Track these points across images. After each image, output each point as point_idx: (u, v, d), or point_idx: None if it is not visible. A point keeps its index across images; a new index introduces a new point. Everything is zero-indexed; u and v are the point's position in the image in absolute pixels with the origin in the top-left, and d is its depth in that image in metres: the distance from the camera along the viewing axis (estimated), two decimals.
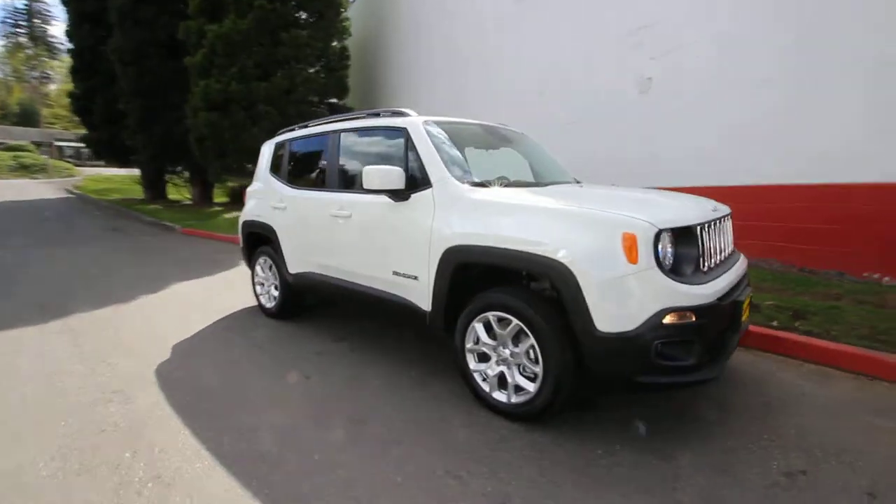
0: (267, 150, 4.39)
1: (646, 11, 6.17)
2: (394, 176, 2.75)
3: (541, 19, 7.69)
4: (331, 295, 3.64)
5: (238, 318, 4.33)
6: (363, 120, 3.39)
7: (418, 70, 10.98)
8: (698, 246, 2.22)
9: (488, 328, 2.48)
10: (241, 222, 4.50)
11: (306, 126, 4.06)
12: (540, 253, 2.17)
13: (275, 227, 3.97)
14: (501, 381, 2.46)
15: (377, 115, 3.36)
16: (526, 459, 2.10)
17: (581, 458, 2.10)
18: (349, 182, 3.39)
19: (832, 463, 2.05)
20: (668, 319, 2.02)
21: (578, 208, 2.23)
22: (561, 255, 2.11)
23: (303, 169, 3.95)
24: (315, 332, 3.83)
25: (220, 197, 20.42)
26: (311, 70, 11.98)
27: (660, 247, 2.04)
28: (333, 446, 2.22)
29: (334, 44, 12.10)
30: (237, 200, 19.29)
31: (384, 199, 2.95)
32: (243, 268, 5.78)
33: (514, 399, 2.39)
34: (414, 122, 3.00)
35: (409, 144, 2.95)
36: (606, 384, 2.41)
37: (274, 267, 4.09)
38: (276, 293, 4.15)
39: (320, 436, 2.31)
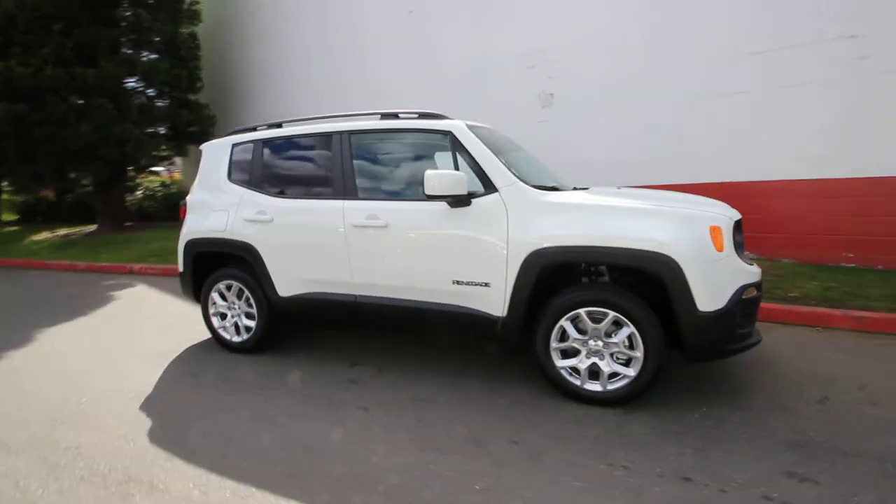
0: (218, 153, 3.65)
1: (539, 35, 6.88)
2: (458, 181, 2.63)
3: (432, 33, 7.87)
4: (343, 315, 3.25)
5: (194, 360, 3.52)
6: (383, 121, 3.11)
7: (291, 70, 9.95)
8: (742, 234, 2.73)
9: (575, 324, 2.59)
10: (184, 243, 3.64)
11: (279, 125, 3.51)
12: (648, 248, 2.38)
13: (255, 245, 3.33)
14: (591, 373, 2.60)
15: (394, 116, 3.13)
16: (656, 436, 2.28)
17: (691, 425, 2.38)
18: (373, 189, 3.08)
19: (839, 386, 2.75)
20: (744, 295, 2.44)
21: (670, 208, 2.51)
22: (666, 249, 2.35)
23: (292, 175, 3.40)
24: (317, 361, 3.36)
25: (7, 214, 15.70)
26: (155, 58, 10.07)
27: (733, 236, 2.46)
28: (485, 472, 2.05)
29: (182, 30, 10.37)
30: (31, 219, 14.91)
31: (436, 205, 2.80)
32: (129, 302, 4.81)
33: (611, 386, 2.55)
34: (458, 125, 2.90)
35: (458, 148, 2.85)
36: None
37: (247, 292, 3.43)
38: (248, 323, 3.50)
39: (459, 465, 2.11)
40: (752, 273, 2.53)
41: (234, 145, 3.60)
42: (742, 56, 5.40)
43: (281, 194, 3.33)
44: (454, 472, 2.06)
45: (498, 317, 2.72)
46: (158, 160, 11.56)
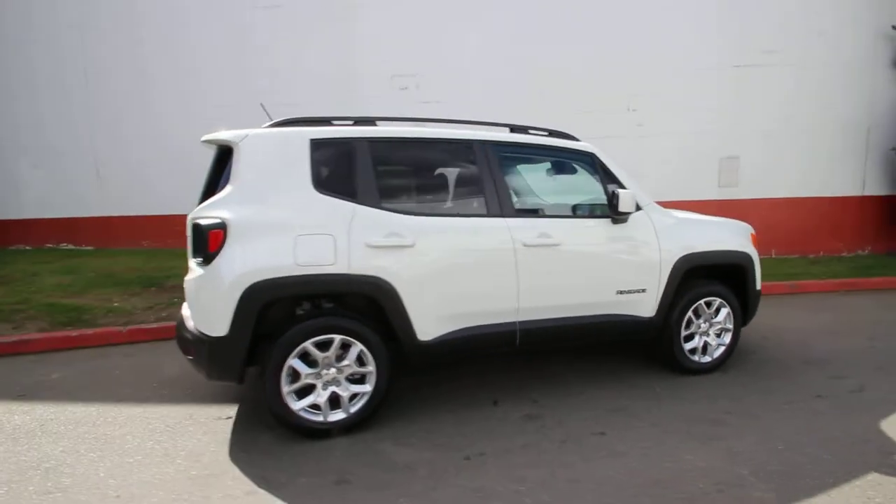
0: (283, 150, 2.46)
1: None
2: (633, 200, 2.92)
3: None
4: (490, 350, 2.86)
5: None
6: (532, 137, 2.94)
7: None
8: None
9: (695, 311, 3.31)
10: (239, 290, 2.27)
11: (371, 122, 2.71)
12: (739, 250, 3.35)
13: (388, 279, 2.47)
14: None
15: (524, 130, 3.02)
16: (745, 389, 3.21)
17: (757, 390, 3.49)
18: (531, 206, 2.89)
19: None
20: None
21: (732, 220, 3.54)
22: (746, 249, 3.39)
23: (424, 187, 2.68)
24: (450, 413, 2.82)
25: None
26: None
27: None
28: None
29: None
30: None
31: (600, 221, 2.97)
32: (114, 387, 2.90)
33: (705, 358, 3.37)
34: (596, 148, 3.11)
35: (600, 168, 3.08)
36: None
37: (360, 347, 2.49)
38: (356, 390, 2.54)
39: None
40: None
41: (314, 141, 2.50)
42: (573, 114, 7.22)
43: (417, 212, 2.61)
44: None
45: (649, 318, 3.14)
46: None
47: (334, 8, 7.24)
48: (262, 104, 3.04)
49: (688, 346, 3.29)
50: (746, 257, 3.41)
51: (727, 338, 3.41)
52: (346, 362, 2.50)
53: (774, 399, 2.97)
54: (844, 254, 7.45)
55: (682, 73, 7.25)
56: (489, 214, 2.76)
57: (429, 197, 2.80)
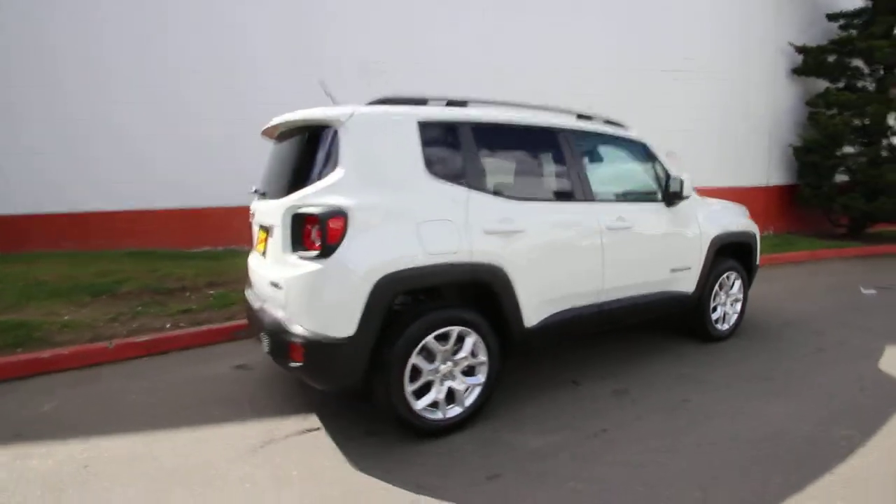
0: (393, 132, 2.25)
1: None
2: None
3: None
4: (577, 332, 2.93)
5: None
6: (605, 126, 3.06)
7: None
8: None
9: (720, 285, 3.69)
10: (370, 283, 2.05)
11: (462, 104, 2.59)
12: (749, 229, 3.80)
13: (503, 265, 2.40)
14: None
15: (589, 118, 3.11)
16: (763, 349, 3.74)
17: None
18: (604, 191, 2.97)
19: None
20: None
21: (736, 203, 3.97)
22: (752, 228, 3.86)
23: (522, 172, 2.61)
24: (530, 398, 2.85)
25: None
26: None
27: None
28: None
29: None
30: None
31: (657, 205, 3.19)
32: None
33: (724, 327, 3.79)
34: (644, 137, 3.31)
35: (651, 157, 3.30)
36: None
37: (475, 337, 2.40)
38: (470, 381, 2.44)
39: None
40: None
41: (421, 123, 2.32)
42: None
43: (521, 197, 2.56)
44: None
45: (690, 293, 3.44)
46: None
47: None
48: (321, 82, 2.73)
49: (714, 316, 3.68)
50: (754, 236, 3.90)
51: (738, 307, 3.87)
52: (462, 354, 2.38)
53: (791, 355, 3.45)
54: None
55: (615, 73, 7.82)
56: (577, 199, 2.81)
57: (527, 181, 2.75)
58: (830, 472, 2.09)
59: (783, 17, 8.61)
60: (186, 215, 6.50)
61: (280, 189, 2.39)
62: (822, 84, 8.71)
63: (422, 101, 2.48)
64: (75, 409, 2.76)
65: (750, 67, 8.48)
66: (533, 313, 2.60)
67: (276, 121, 2.37)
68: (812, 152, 8.54)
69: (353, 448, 2.30)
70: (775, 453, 2.24)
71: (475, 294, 2.48)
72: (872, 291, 5.29)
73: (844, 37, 8.26)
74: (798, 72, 8.73)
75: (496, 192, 2.49)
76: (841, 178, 8.56)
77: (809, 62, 8.55)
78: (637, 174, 3.26)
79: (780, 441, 2.34)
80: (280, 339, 2.18)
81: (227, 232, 6.30)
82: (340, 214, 2.05)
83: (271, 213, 2.42)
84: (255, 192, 2.82)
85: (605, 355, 3.45)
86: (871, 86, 8.51)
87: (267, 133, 2.84)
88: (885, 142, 8.38)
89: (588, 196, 2.85)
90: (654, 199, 3.25)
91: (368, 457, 2.23)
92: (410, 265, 2.14)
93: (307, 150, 2.36)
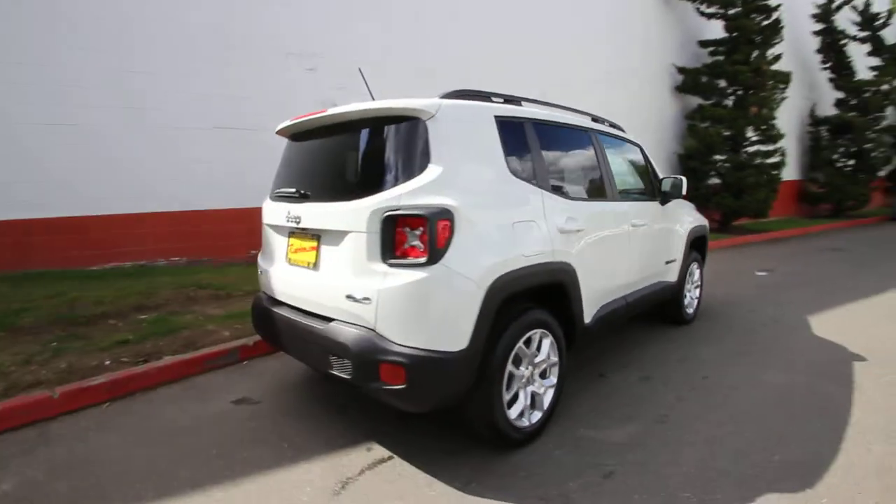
0: (476, 126, 2.12)
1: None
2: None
3: None
4: (612, 326, 3.06)
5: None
6: (601, 125, 3.20)
7: None
8: None
9: (690, 273, 4.16)
10: (484, 288, 1.90)
11: (517, 101, 2.55)
12: (706, 223, 4.33)
13: (574, 265, 2.40)
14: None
15: (602, 120, 3.27)
16: (728, 327, 4.34)
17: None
18: (622, 190, 3.14)
19: None
20: None
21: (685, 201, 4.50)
22: (706, 223, 4.42)
23: (571, 171, 2.60)
24: (589, 390, 2.94)
25: None
26: None
27: None
28: None
29: None
30: None
31: (654, 204, 3.49)
32: None
33: (690, 311, 4.29)
34: (639, 139, 3.59)
35: (647, 159, 3.59)
36: None
37: (550, 339, 2.37)
38: (546, 384, 2.41)
39: None
40: None
41: (497, 119, 2.20)
42: None
43: (579, 196, 2.59)
44: None
45: (674, 282, 3.83)
46: None
47: None
48: (360, 69, 2.45)
49: (685, 301, 4.14)
50: (708, 229, 4.47)
51: (697, 292, 4.41)
52: (541, 357, 2.34)
53: (753, 331, 4.03)
54: None
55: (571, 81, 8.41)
56: (610, 198, 2.94)
57: (577, 180, 2.77)
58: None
59: (667, 41, 10.03)
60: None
61: (338, 190, 2.10)
62: (696, 100, 10.34)
63: (485, 97, 2.37)
64: (54, 479, 2.08)
65: (645, 84, 9.72)
66: (588, 310, 2.65)
67: (351, 108, 2.06)
68: (692, 158, 10.07)
69: (443, 470, 2.11)
70: (804, 402, 2.62)
71: (540, 295, 2.44)
72: (765, 273, 6.43)
73: (715, 62, 9.91)
74: (679, 89, 10.24)
75: (555, 191, 2.49)
76: (714, 180, 10.25)
77: (688, 81, 10.09)
78: (641, 174, 3.52)
79: (801, 399, 2.73)
80: (369, 359, 1.90)
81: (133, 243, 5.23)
82: (447, 216, 1.86)
83: (330, 216, 2.10)
84: (284, 194, 2.41)
85: (608, 348, 3.64)
86: (730, 103, 10.33)
87: (288, 130, 2.47)
88: (743, 151, 10.24)
89: (616, 195, 3.01)
90: (653, 198, 3.54)
91: (465, 476, 2.07)
92: (515, 267, 2.04)
93: (377, 147, 2.09)
